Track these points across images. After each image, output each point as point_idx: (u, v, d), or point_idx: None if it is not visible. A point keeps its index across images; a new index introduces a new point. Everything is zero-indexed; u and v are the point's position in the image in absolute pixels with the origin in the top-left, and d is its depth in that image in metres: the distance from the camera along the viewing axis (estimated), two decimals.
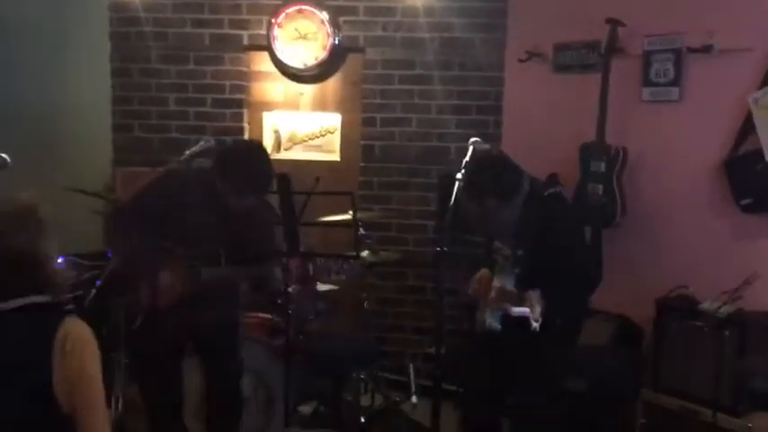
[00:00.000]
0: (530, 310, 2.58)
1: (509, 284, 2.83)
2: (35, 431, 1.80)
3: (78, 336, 1.81)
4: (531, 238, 2.76)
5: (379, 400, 3.99)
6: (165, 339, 2.82)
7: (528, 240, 2.77)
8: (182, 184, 2.83)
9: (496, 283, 2.91)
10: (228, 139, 4.30)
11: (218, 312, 2.93)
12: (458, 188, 2.71)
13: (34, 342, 1.77)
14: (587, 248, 3.08)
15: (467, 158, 2.66)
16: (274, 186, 2.80)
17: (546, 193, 2.92)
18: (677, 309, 3.34)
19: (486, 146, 3.02)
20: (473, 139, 2.84)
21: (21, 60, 4.08)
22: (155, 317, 2.76)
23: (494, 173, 2.73)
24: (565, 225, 2.87)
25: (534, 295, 2.60)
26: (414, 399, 3.86)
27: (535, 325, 2.57)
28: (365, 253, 3.72)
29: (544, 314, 2.58)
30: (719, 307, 3.13)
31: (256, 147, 3.05)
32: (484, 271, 3.03)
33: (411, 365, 4.06)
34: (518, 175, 2.74)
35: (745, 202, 3.36)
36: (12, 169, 2.66)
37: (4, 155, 2.72)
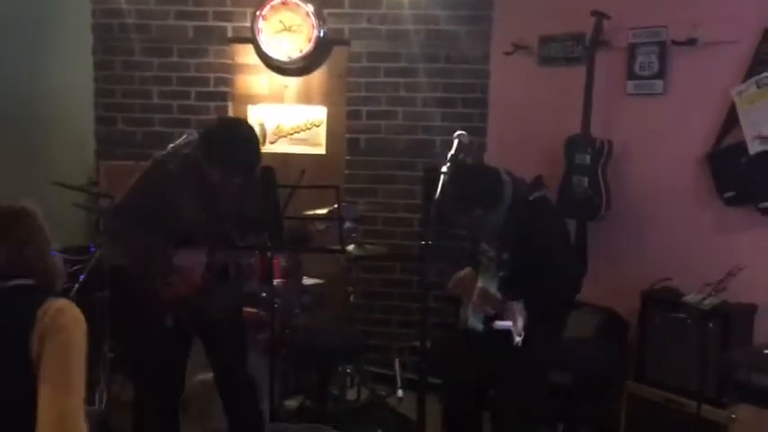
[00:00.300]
0: (512, 324, 2.61)
1: (492, 287, 2.84)
2: (18, 409, 1.76)
3: (61, 309, 1.80)
4: (516, 242, 2.77)
5: (365, 393, 3.99)
6: (174, 330, 2.73)
7: (512, 244, 2.78)
8: (170, 174, 2.77)
9: (480, 283, 2.92)
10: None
11: (228, 298, 2.87)
12: (442, 181, 2.71)
13: (18, 315, 1.78)
14: (569, 252, 3.09)
15: (452, 151, 2.66)
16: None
17: (531, 198, 2.92)
18: (662, 301, 3.36)
19: (470, 139, 3.01)
20: (458, 132, 2.84)
21: (1, 52, 4.01)
22: (169, 307, 2.70)
23: (476, 184, 2.77)
24: (548, 229, 2.88)
25: (518, 307, 2.63)
26: (399, 393, 3.85)
27: (518, 339, 2.60)
28: (351, 247, 3.71)
29: (527, 328, 2.61)
30: (703, 299, 3.15)
31: (242, 124, 2.93)
32: (468, 270, 3.03)
33: (397, 359, 4.05)
34: (499, 181, 2.76)
35: (728, 194, 3.38)
36: None
37: None
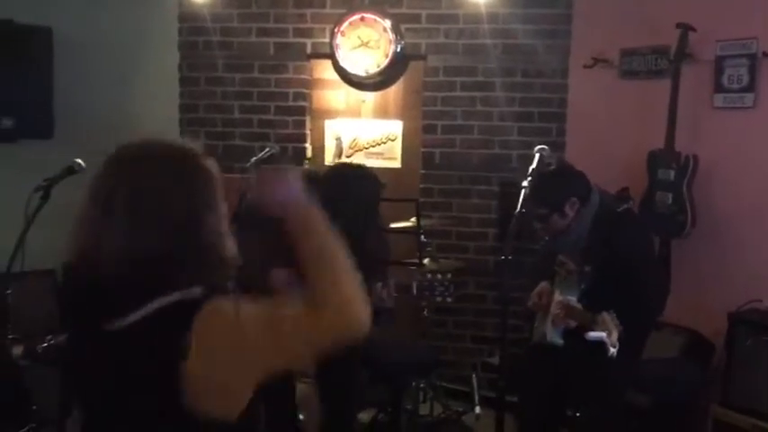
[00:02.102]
0: (606, 335, 2.52)
1: (572, 300, 2.77)
2: None
3: (216, 310, 1.31)
4: (600, 255, 2.70)
5: (438, 409, 3.96)
6: None
7: (596, 256, 2.71)
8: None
9: (557, 296, 2.86)
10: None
11: None
12: (523, 196, 2.68)
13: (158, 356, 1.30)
14: (654, 270, 2.99)
15: (533, 166, 2.62)
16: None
17: (619, 209, 2.85)
18: (750, 323, 3.22)
19: (551, 153, 2.96)
20: (539, 147, 2.79)
21: (94, 72, 4.22)
22: None
23: (538, 184, 2.72)
24: (635, 243, 2.79)
25: (609, 318, 2.54)
26: (477, 409, 3.81)
27: (612, 351, 2.50)
28: (426, 260, 3.70)
29: (621, 339, 2.51)
30: None
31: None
32: (543, 284, 2.98)
33: (474, 375, 4.00)
34: (587, 181, 2.69)
35: None
36: (85, 175, 2.75)
37: (78, 160, 2.82)
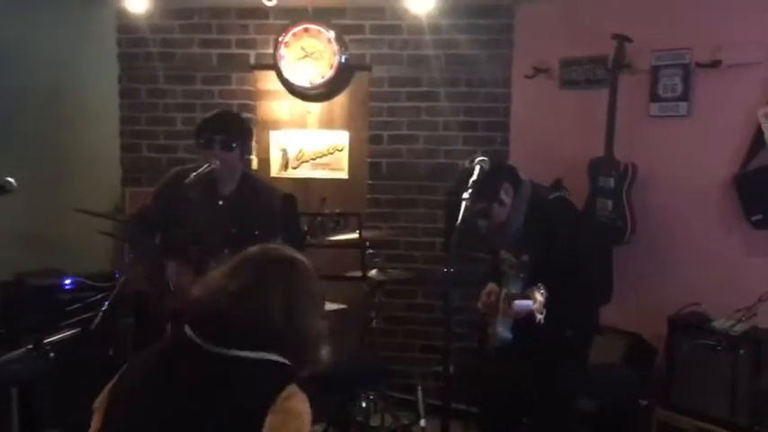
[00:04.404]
0: (532, 303, 2.56)
1: (515, 290, 2.81)
2: None
3: (295, 393, 1.50)
4: (536, 242, 2.75)
5: (388, 420, 3.95)
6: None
7: (532, 244, 2.76)
8: (180, 183, 2.83)
9: (504, 292, 2.90)
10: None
11: None
12: (464, 207, 2.69)
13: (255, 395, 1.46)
14: (594, 250, 3.07)
15: (473, 178, 2.64)
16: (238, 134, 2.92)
17: (551, 197, 2.93)
18: (690, 326, 3.30)
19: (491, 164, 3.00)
20: (479, 159, 2.80)
21: (29, 82, 4.10)
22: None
23: (493, 173, 2.77)
24: (569, 227, 2.87)
25: (536, 288, 2.57)
26: (422, 422, 3.81)
27: (539, 317, 2.53)
28: (373, 272, 3.69)
29: (547, 305, 2.53)
30: (733, 325, 3.09)
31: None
32: (491, 285, 3.01)
33: (419, 387, 4.00)
34: (492, 175, 2.74)
35: (756, 217, 3.32)
36: (22, 190, 2.66)
37: (10, 179, 2.72)
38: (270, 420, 1.42)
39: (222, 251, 2.71)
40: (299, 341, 1.55)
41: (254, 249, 1.63)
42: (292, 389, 1.49)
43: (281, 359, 1.52)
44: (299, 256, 1.64)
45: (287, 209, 2.81)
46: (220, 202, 2.96)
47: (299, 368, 1.56)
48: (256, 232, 2.76)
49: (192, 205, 2.80)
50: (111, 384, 1.58)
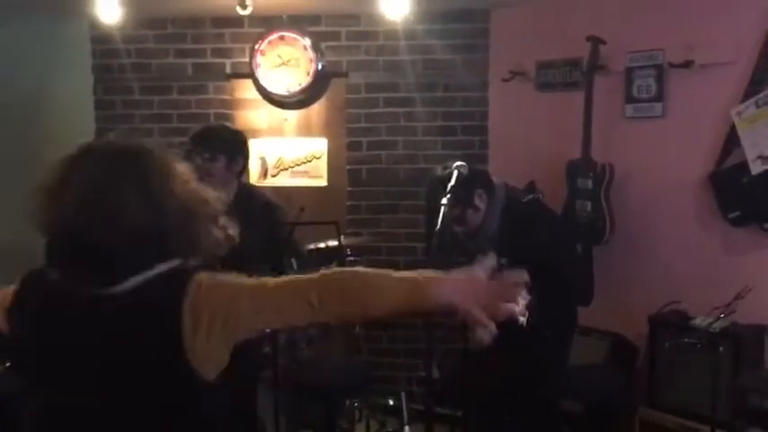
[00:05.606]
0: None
1: None
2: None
3: (208, 281, 1.40)
4: (512, 244, 2.77)
5: (374, 427, 3.94)
6: None
7: (509, 247, 2.77)
8: None
9: None
10: None
11: None
12: (443, 214, 2.70)
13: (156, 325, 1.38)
14: (570, 249, 3.10)
15: (451, 183, 2.65)
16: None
17: (524, 199, 2.96)
18: (670, 325, 3.33)
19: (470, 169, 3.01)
20: (457, 164, 2.81)
21: (3, 96, 4.05)
22: None
23: (467, 177, 2.79)
24: (543, 227, 2.90)
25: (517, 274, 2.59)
26: (406, 429, 3.80)
27: (522, 320, 2.53)
28: None
29: (530, 308, 2.53)
30: (712, 322, 3.11)
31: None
32: None
33: (403, 393, 4.00)
34: (466, 182, 2.76)
35: (732, 215, 3.36)
36: None
37: None
38: (189, 312, 1.35)
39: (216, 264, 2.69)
40: (167, 226, 1.41)
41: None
42: (195, 281, 1.38)
43: (164, 267, 1.40)
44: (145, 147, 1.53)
45: (270, 217, 2.80)
46: None
47: (190, 255, 1.45)
48: (253, 246, 2.75)
49: None
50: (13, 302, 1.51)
